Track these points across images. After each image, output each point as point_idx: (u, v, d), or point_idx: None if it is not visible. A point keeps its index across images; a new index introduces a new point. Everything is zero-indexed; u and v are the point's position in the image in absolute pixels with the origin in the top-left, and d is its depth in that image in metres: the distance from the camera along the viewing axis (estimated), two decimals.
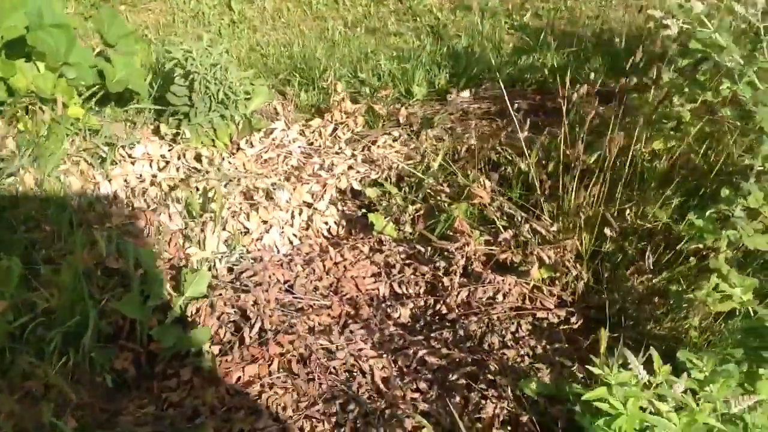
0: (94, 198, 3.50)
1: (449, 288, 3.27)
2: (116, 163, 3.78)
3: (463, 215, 3.49)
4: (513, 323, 3.15)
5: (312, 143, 4.34)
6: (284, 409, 2.74)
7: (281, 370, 2.90)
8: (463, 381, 2.86)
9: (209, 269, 3.31)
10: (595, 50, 5.04)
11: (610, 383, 2.14)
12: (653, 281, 3.13)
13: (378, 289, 3.35)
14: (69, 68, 3.77)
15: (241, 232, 3.53)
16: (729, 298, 2.78)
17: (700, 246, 2.95)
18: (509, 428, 2.72)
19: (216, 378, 2.81)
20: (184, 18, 5.75)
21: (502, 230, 3.41)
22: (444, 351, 2.98)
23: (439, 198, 3.67)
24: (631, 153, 3.16)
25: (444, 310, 3.22)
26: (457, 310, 3.19)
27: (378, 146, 4.22)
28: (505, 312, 3.17)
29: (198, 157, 3.93)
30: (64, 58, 3.74)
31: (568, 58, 5.01)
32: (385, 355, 2.99)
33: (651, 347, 2.24)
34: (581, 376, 2.90)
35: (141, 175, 3.76)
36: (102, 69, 3.92)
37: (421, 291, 3.35)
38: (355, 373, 2.92)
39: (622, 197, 3.26)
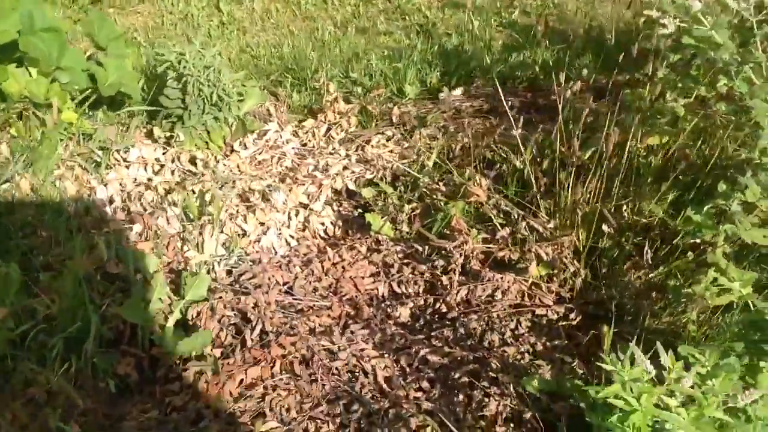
0: (90, 203, 3.49)
1: (448, 287, 3.28)
2: (111, 168, 3.77)
3: (460, 213, 3.51)
4: (512, 320, 3.16)
5: (305, 144, 4.34)
6: (288, 410, 2.74)
7: (284, 371, 2.90)
8: (465, 379, 2.87)
9: (208, 272, 3.30)
10: (585, 47, 5.07)
11: (624, 380, 2.15)
12: (650, 276, 3.15)
13: (377, 289, 3.36)
14: (61, 72, 3.76)
15: (239, 235, 3.53)
16: (727, 292, 2.80)
17: (697, 241, 2.98)
18: (512, 425, 2.73)
19: (219, 381, 2.81)
20: (173, 20, 5.73)
21: (499, 228, 3.43)
22: (445, 349, 2.99)
23: (435, 197, 3.68)
24: (627, 149, 3.18)
25: (444, 309, 3.23)
26: (457, 309, 3.20)
27: (372, 146, 4.22)
28: (504, 309, 3.18)
29: (192, 160, 3.93)
30: (56, 63, 3.73)
31: (558, 55, 5.04)
32: (386, 355, 3.00)
33: (657, 342, 2.26)
34: (582, 372, 2.92)
35: (136, 179, 3.75)
36: (94, 73, 3.91)
37: (421, 290, 3.35)
38: (357, 374, 2.93)
39: (618, 193, 3.28)
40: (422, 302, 3.29)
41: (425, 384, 2.89)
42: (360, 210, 3.85)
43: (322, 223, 3.77)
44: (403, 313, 3.24)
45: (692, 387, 2.13)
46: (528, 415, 2.72)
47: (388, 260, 3.49)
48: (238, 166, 4.01)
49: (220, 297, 3.14)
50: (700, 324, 2.98)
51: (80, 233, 3.26)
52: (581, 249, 3.29)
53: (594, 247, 3.28)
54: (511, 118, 3.52)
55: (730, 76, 2.84)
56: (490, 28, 5.46)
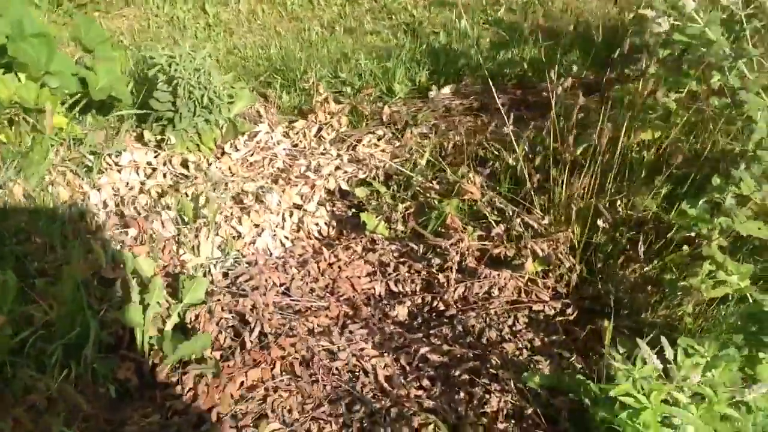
0: (84, 208, 3.48)
1: (445, 284, 3.29)
2: (103, 172, 3.76)
3: (454, 211, 3.51)
4: (510, 317, 3.18)
5: (297, 145, 4.33)
6: (290, 411, 2.74)
7: (284, 373, 2.90)
8: (465, 376, 2.88)
9: (204, 275, 3.30)
10: (572, 43, 5.09)
11: (634, 378, 2.17)
12: (646, 270, 3.17)
13: (374, 289, 3.36)
14: (51, 77, 3.73)
15: (234, 237, 3.52)
16: (722, 284, 2.83)
17: (692, 234, 3.00)
18: (513, 422, 2.74)
19: (219, 384, 2.80)
20: (158, 23, 5.71)
21: (494, 225, 3.44)
22: (445, 347, 3.01)
23: (428, 195, 3.69)
24: (620, 144, 3.20)
25: (441, 307, 3.25)
26: (454, 306, 3.22)
27: (363, 145, 4.23)
28: (501, 306, 3.20)
29: (184, 163, 3.91)
30: (45, 67, 3.71)
31: (546, 52, 5.06)
32: (386, 354, 3.01)
33: (662, 338, 2.28)
34: (580, 366, 2.94)
35: (128, 183, 3.74)
36: (84, 77, 3.89)
37: (417, 288, 3.36)
38: (357, 373, 2.93)
39: (612, 188, 3.30)
40: (419, 301, 3.29)
41: (426, 382, 2.90)
42: (354, 210, 3.85)
43: (317, 224, 3.77)
44: (401, 311, 3.24)
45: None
46: (529, 411, 2.73)
47: (383, 259, 3.49)
48: (229, 168, 4.00)
49: (218, 300, 3.13)
50: (696, 316, 3.00)
51: (76, 239, 3.24)
52: (576, 244, 3.30)
53: (589, 243, 3.30)
54: (504, 115, 3.52)
55: (723, 72, 2.87)
56: (477, 26, 5.47)
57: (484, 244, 3.40)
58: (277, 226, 3.67)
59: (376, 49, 5.25)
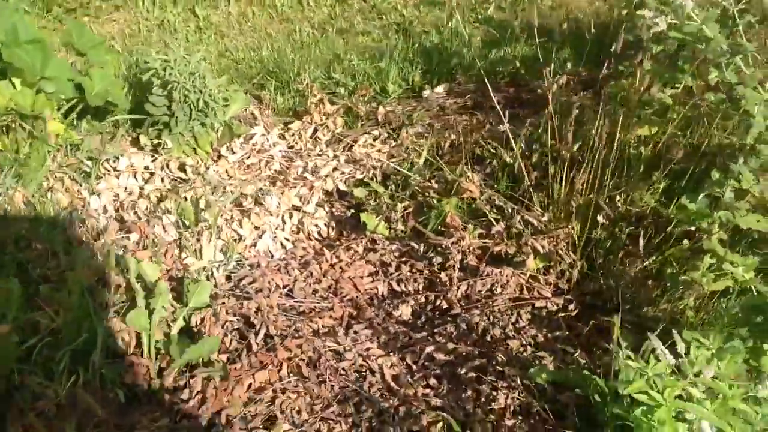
0: (85, 214, 3.47)
1: (448, 283, 3.31)
2: (101, 177, 3.75)
3: (454, 210, 3.53)
4: (513, 314, 3.20)
5: (293, 146, 4.34)
6: (299, 412, 2.75)
7: (291, 374, 2.91)
8: (472, 374, 2.90)
9: (207, 278, 3.31)
10: (564, 40, 5.12)
11: (648, 375, 2.20)
12: (646, 265, 3.20)
13: (377, 289, 3.38)
14: (47, 82, 3.72)
15: (235, 240, 3.52)
16: (723, 277, 2.87)
17: (691, 228, 3.03)
18: (520, 418, 2.76)
19: (227, 386, 2.81)
20: (149, 27, 5.70)
21: (494, 223, 3.46)
22: (450, 346, 3.02)
23: (427, 194, 3.70)
24: (617, 140, 3.22)
25: (444, 306, 3.27)
26: (457, 305, 3.23)
27: (359, 146, 4.24)
28: (504, 303, 3.22)
29: (182, 167, 3.92)
30: (41, 73, 3.70)
31: (537, 50, 5.09)
32: (392, 354, 3.02)
33: (674, 332, 2.31)
34: (584, 362, 2.97)
35: (127, 188, 3.74)
36: (80, 82, 3.88)
37: (420, 288, 3.38)
38: (364, 373, 2.95)
39: (610, 184, 3.32)
40: (422, 300, 3.31)
41: (433, 381, 2.91)
42: (353, 210, 3.86)
43: (316, 225, 3.78)
44: (405, 311, 3.26)
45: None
46: (536, 407, 2.75)
47: (385, 259, 3.51)
48: (226, 171, 4.01)
49: (223, 303, 3.14)
50: (697, 310, 3.04)
51: (79, 245, 3.24)
52: (576, 240, 3.33)
53: (589, 239, 3.33)
54: (500, 113, 3.54)
55: (720, 68, 2.90)
56: (469, 25, 5.49)
57: (485, 242, 3.42)
58: (277, 228, 3.68)
59: (368, 50, 5.27)
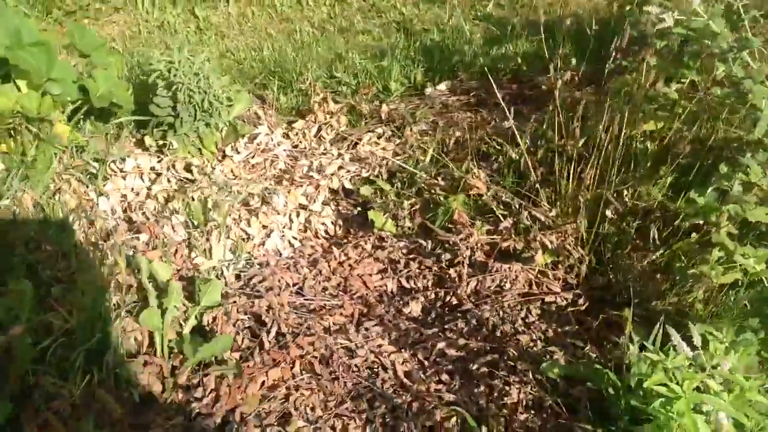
0: (93, 215, 3.48)
1: (457, 279, 3.33)
2: (108, 179, 3.76)
3: (461, 207, 3.55)
4: (523, 309, 3.22)
5: (297, 145, 4.35)
6: (313, 409, 2.77)
7: (304, 371, 2.92)
8: (484, 369, 2.92)
9: (217, 277, 3.31)
10: (565, 36, 5.13)
11: (668, 368, 2.21)
12: (654, 259, 3.21)
13: (386, 286, 3.40)
14: (53, 84, 3.72)
15: (243, 239, 3.53)
16: (732, 270, 2.89)
17: (700, 222, 3.05)
18: (533, 412, 2.78)
19: (241, 384, 2.82)
20: (149, 28, 5.71)
21: (502, 219, 3.48)
22: (461, 341, 3.04)
23: (433, 191, 3.72)
24: (624, 135, 3.24)
25: (454, 302, 3.28)
26: (467, 301, 3.24)
27: (363, 144, 4.25)
28: (514, 299, 3.24)
29: (188, 167, 3.92)
30: (46, 75, 3.70)
31: (544, 45, 5.10)
32: (404, 350, 3.04)
33: (691, 324, 2.33)
34: (595, 356, 2.98)
35: (134, 189, 3.74)
36: (85, 84, 3.88)
37: (429, 284, 3.40)
38: (377, 370, 2.96)
39: (617, 179, 3.34)
40: (432, 296, 3.33)
41: (445, 376, 2.93)
42: (359, 208, 3.88)
43: (323, 223, 3.79)
44: (415, 307, 3.28)
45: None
46: (549, 401, 2.77)
47: (393, 256, 3.53)
48: (231, 171, 4.01)
49: (234, 301, 3.15)
50: (706, 303, 3.05)
51: (89, 245, 3.25)
52: (585, 235, 3.34)
53: (597, 233, 3.34)
54: (505, 110, 3.56)
55: (727, 63, 2.92)
56: (469, 22, 5.50)
57: (493, 238, 3.44)
58: (284, 227, 3.69)
59: (369, 48, 5.29)
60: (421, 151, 4.03)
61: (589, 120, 3.57)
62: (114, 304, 2.98)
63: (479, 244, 3.42)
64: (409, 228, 3.67)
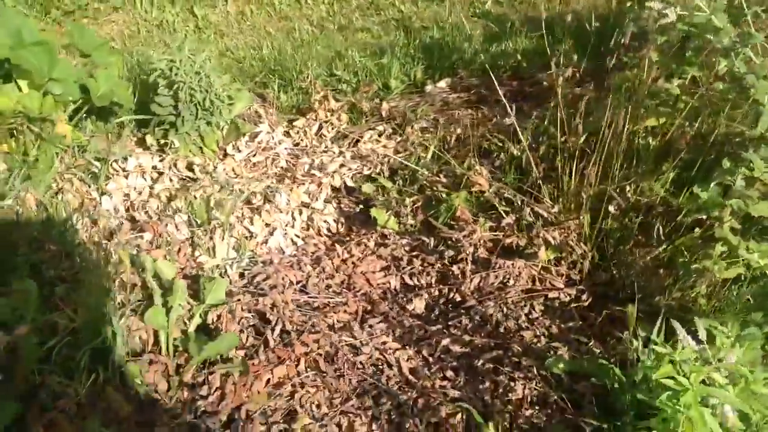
0: (97, 214, 3.48)
1: (460, 276, 3.33)
2: (110, 178, 3.76)
3: (463, 203, 3.55)
4: (526, 305, 3.22)
5: (298, 144, 4.36)
6: (319, 406, 2.78)
7: (309, 369, 2.93)
8: (489, 365, 2.93)
9: (221, 276, 3.32)
10: (564, 33, 5.13)
11: (676, 360, 2.22)
12: (657, 254, 3.22)
13: (389, 283, 3.40)
14: (55, 84, 3.72)
15: (246, 237, 3.54)
16: (735, 265, 2.90)
17: (702, 217, 3.06)
18: (538, 408, 2.79)
19: (246, 382, 2.83)
20: (148, 27, 5.70)
21: (504, 215, 3.48)
22: (465, 338, 3.05)
23: (435, 188, 3.72)
24: (626, 131, 3.24)
25: (458, 298, 3.29)
26: (471, 297, 3.25)
27: (364, 142, 4.26)
28: (517, 295, 3.24)
29: (190, 166, 3.93)
30: (48, 75, 3.69)
31: (538, 43, 5.12)
32: (408, 347, 3.05)
33: (696, 319, 2.34)
34: (599, 351, 2.99)
35: (136, 188, 3.74)
36: (86, 83, 3.88)
37: (432, 281, 3.40)
38: (381, 367, 2.97)
39: (619, 174, 3.34)
40: (436, 293, 3.33)
41: (450, 373, 2.94)
42: (361, 206, 3.88)
43: (325, 221, 3.79)
44: (418, 304, 3.28)
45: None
46: (554, 397, 2.78)
47: (396, 254, 3.53)
48: (233, 170, 4.02)
49: (238, 299, 3.16)
50: (708, 298, 3.06)
51: (92, 245, 3.25)
52: (588, 231, 3.35)
53: (600, 229, 3.35)
54: (507, 107, 3.57)
55: (730, 58, 2.93)
56: (469, 21, 5.51)
57: (496, 235, 3.44)
58: (287, 225, 3.69)
59: (368, 46, 5.29)
60: (423, 148, 4.03)
61: (590, 116, 3.57)
62: (118, 303, 2.98)
63: (482, 241, 3.42)
64: (411, 225, 3.68)
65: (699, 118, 3.31)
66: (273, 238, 3.59)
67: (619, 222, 3.34)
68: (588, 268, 3.35)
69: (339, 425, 2.72)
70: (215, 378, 2.85)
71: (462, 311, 3.22)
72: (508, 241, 3.40)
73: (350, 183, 3.98)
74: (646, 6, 3.21)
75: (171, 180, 3.83)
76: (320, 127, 4.43)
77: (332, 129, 4.41)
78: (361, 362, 2.97)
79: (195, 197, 3.62)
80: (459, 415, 2.72)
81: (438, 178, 3.74)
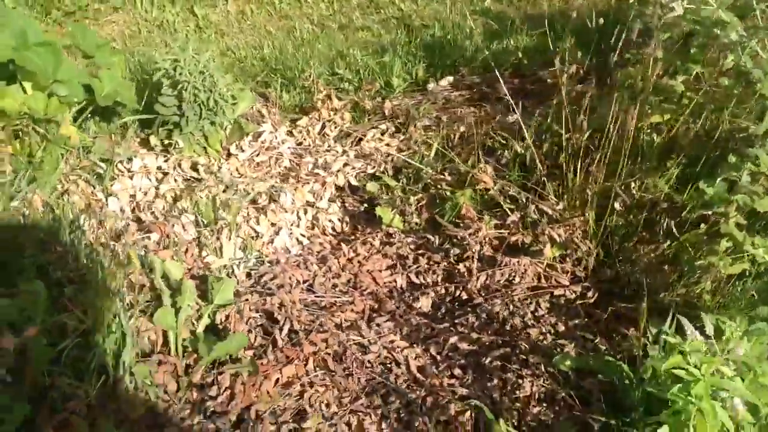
0: (103, 215, 3.48)
1: (466, 274, 3.34)
2: (115, 179, 3.76)
3: (468, 201, 3.56)
4: (532, 303, 3.24)
5: (301, 143, 4.37)
6: (328, 406, 2.79)
7: (318, 368, 2.94)
8: (497, 363, 2.94)
9: (228, 276, 3.33)
10: (564, 29, 5.14)
11: (686, 351, 2.23)
12: (662, 250, 3.23)
13: (395, 281, 3.41)
14: (60, 85, 3.71)
15: (252, 237, 3.55)
16: (740, 261, 2.91)
17: (708, 213, 3.07)
18: (545, 405, 2.80)
19: (255, 382, 2.84)
20: (149, 27, 5.71)
21: (509, 213, 3.50)
22: (473, 335, 3.06)
23: (439, 186, 3.73)
24: (632, 127, 3.25)
25: (464, 296, 3.30)
26: (477, 295, 3.26)
27: (367, 141, 4.27)
28: (523, 292, 3.26)
29: (194, 166, 3.93)
30: (53, 76, 3.69)
31: (539, 40, 5.13)
32: (416, 345, 3.06)
33: (703, 314, 2.35)
34: (605, 348, 3.01)
35: (142, 189, 3.75)
36: (90, 84, 3.88)
37: (439, 279, 3.41)
38: (390, 365, 2.99)
39: (624, 171, 3.35)
40: (442, 291, 3.35)
41: (457, 371, 2.96)
42: (365, 205, 3.89)
43: (330, 221, 3.81)
44: (425, 303, 3.29)
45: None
46: (562, 394, 2.79)
47: (402, 252, 3.55)
48: (237, 169, 4.02)
49: (246, 299, 3.17)
50: (713, 293, 3.08)
51: (99, 245, 3.25)
52: (592, 228, 3.36)
53: (604, 226, 3.36)
54: (512, 105, 3.58)
55: (737, 53, 2.93)
56: (469, 18, 5.51)
57: (501, 233, 3.45)
58: (292, 225, 3.70)
59: (369, 45, 5.30)
60: (426, 146, 4.04)
61: (594, 112, 3.58)
62: (127, 304, 2.99)
63: (487, 239, 3.44)
64: (416, 224, 3.69)
65: (703, 115, 3.31)
66: (279, 237, 3.59)
67: (624, 219, 3.35)
68: (593, 265, 3.36)
69: (348, 424, 2.73)
70: (224, 378, 2.86)
71: (468, 309, 3.24)
72: (513, 238, 3.42)
73: (354, 182, 3.98)
74: (651, 1, 3.22)
75: (176, 180, 3.83)
76: (323, 126, 4.43)
77: (335, 128, 4.41)
78: (369, 361, 2.98)
79: (201, 197, 3.62)
80: (468, 413, 2.73)
81: (442, 176, 3.75)
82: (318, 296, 3.28)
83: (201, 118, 3.97)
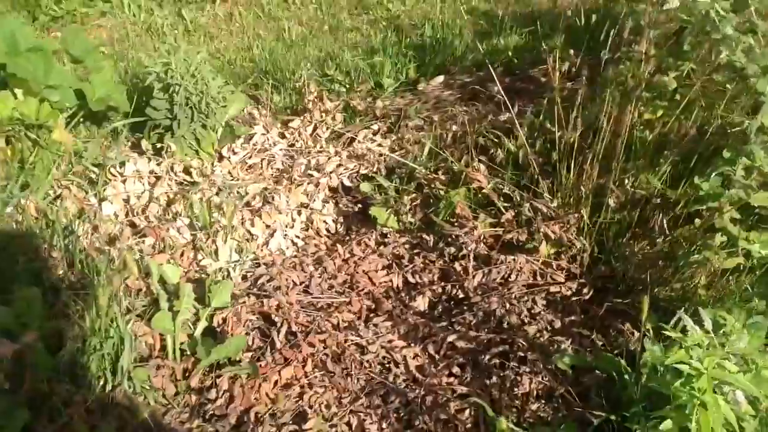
0: (97, 220, 3.47)
1: (462, 273, 3.35)
2: (107, 183, 3.75)
3: (463, 200, 3.57)
4: (528, 300, 3.24)
5: (293, 144, 4.36)
6: (328, 407, 2.79)
7: (317, 369, 2.94)
8: (495, 361, 2.95)
9: (224, 278, 3.32)
10: (552, 28, 5.16)
11: (688, 345, 2.24)
12: (656, 246, 3.25)
13: (392, 281, 3.41)
14: (51, 91, 3.70)
15: (247, 239, 3.55)
16: (734, 255, 2.93)
17: (701, 208, 3.09)
18: (544, 401, 2.81)
19: (254, 384, 2.84)
20: (137, 31, 5.68)
21: (503, 211, 3.51)
22: (470, 334, 3.07)
23: (433, 186, 3.73)
24: (626, 124, 3.27)
25: (461, 295, 3.30)
26: (474, 294, 3.27)
27: (360, 141, 4.27)
28: (519, 290, 3.27)
29: (187, 170, 3.92)
30: (44, 81, 3.68)
31: (527, 38, 5.15)
32: (414, 344, 3.07)
33: (700, 309, 2.37)
34: (602, 344, 3.02)
35: (135, 193, 3.74)
36: (81, 88, 3.87)
37: (435, 278, 3.42)
38: (388, 365, 2.99)
39: (617, 168, 3.37)
40: (439, 290, 3.35)
41: (456, 369, 2.96)
42: (359, 205, 3.88)
43: (325, 222, 3.80)
44: (422, 302, 3.30)
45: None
46: (561, 390, 2.80)
47: (397, 252, 3.55)
48: (230, 172, 4.02)
49: (243, 302, 3.16)
50: (708, 288, 3.09)
51: (94, 250, 3.24)
52: (586, 225, 3.37)
53: (598, 223, 3.37)
54: (506, 101, 3.59)
55: (731, 48, 2.95)
56: (458, 17, 5.53)
57: (496, 231, 3.47)
58: (287, 226, 3.70)
59: (359, 45, 5.30)
60: (419, 146, 4.04)
61: (586, 110, 3.60)
62: (124, 309, 2.98)
63: (483, 237, 3.45)
64: (411, 223, 3.69)
65: (696, 111, 3.33)
66: (274, 239, 3.59)
67: (618, 215, 3.37)
68: (588, 262, 3.38)
69: (349, 424, 2.74)
70: (223, 381, 2.86)
71: (465, 307, 3.24)
72: (508, 236, 3.43)
73: (347, 182, 3.98)
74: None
75: (169, 184, 3.82)
76: (315, 128, 4.43)
77: (327, 129, 4.41)
78: (368, 361, 2.98)
79: (195, 201, 3.62)
80: (467, 411, 2.75)
81: (436, 176, 3.75)
82: (315, 297, 3.27)
83: (193, 121, 3.96)
